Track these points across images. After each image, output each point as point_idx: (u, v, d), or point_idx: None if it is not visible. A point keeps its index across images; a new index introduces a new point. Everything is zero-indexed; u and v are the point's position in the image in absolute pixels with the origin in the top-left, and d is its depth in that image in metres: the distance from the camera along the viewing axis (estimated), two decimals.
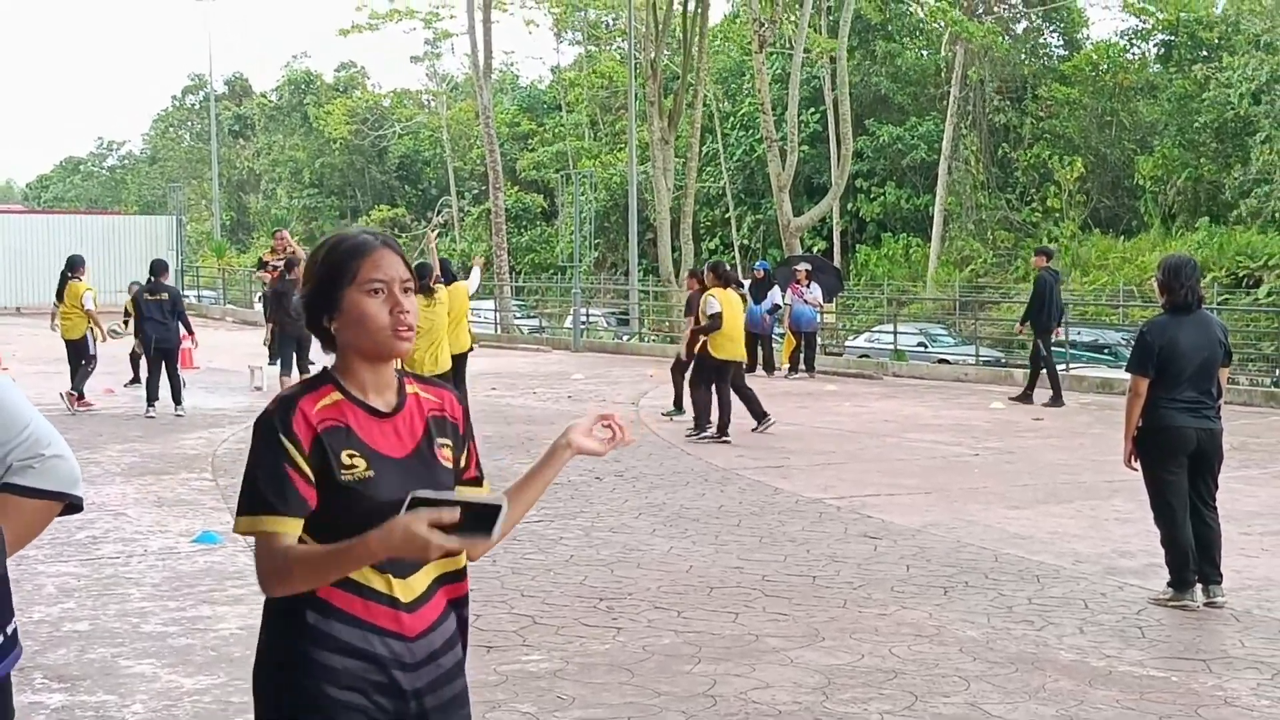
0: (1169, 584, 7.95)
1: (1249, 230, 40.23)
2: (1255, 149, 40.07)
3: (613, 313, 40.95)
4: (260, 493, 2.68)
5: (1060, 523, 10.58)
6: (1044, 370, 19.75)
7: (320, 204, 70.82)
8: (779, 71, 47.05)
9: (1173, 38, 48.27)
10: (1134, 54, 49.98)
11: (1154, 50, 49.77)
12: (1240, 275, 38.09)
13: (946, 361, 28.80)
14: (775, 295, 23.53)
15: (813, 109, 48.93)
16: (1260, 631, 7.34)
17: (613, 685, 6.24)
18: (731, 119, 53.67)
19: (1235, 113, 41.38)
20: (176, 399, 16.72)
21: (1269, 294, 37.04)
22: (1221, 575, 7.90)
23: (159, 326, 16.50)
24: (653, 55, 39.49)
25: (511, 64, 77.31)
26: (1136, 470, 8.02)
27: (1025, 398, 19.39)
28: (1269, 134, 39.36)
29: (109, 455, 13.59)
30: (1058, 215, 46.27)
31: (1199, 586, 7.84)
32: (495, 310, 37.23)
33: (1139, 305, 38.68)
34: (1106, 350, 30.27)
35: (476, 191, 63.35)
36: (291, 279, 17.98)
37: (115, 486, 11.78)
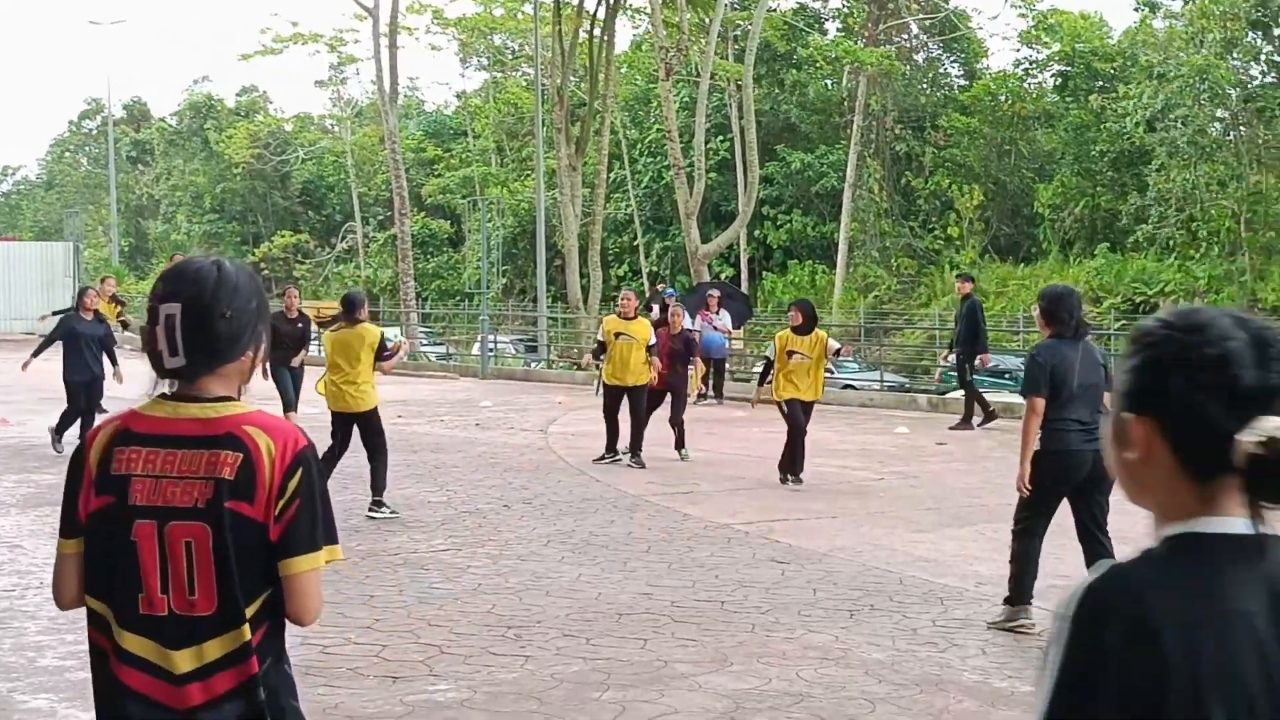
0: (1006, 601, 8.00)
1: (1145, 257, 41.09)
2: (1151, 177, 40.94)
3: (521, 339, 40.87)
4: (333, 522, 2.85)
5: (963, 545, 10.73)
6: (967, 393, 20.07)
7: (221, 229, 69.97)
8: (686, 99, 47.36)
9: (1069, 68, 49.23)
10: (1031, 84, 50.90)
11: (1051, 80, 50.72)
12: (1137, 301, 38.87)
13: (853, 387, 29.07)
14: (685, 322, 23.64)
15: (721, 136, 49.29)
16: None
17: (521, 714, 6.23)
18: (639, 146, 53.90)
19: (1131, 142, 42.27)
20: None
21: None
22: None
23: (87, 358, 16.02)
24: (559, 82, 39.58)
25: (417, 89, 76.97)
26: (1028, 492, 8.02)
27: (965, 424, 19.52)
28: (1163, 162, 40.25)
29: (4, 487, 13.32)
30: (958, 243, 46.94)
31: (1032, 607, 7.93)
32: (402, 337, 37.00)
33: (1039, 333, 39.34)
34: (1007, 375, 30.71)
35: (382, 217, 62.98)
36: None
37: (10, 518, 11.56)
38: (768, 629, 7.83)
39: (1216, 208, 39.45)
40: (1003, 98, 48.92)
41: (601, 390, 15.90)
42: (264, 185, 69.93)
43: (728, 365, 26.61)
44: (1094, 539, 7.93)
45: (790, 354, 13.84)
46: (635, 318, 15.61)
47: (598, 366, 16.28)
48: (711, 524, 11.43)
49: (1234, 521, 1.79)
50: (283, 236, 65.99)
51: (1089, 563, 7.98)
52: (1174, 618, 1.71)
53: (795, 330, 13.95)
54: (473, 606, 8.40)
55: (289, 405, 16.94)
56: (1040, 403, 7.92)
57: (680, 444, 15.82)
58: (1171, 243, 40.62)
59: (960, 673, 6.98)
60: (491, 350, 32.75)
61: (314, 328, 19.23)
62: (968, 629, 7.92)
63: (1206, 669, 1.69)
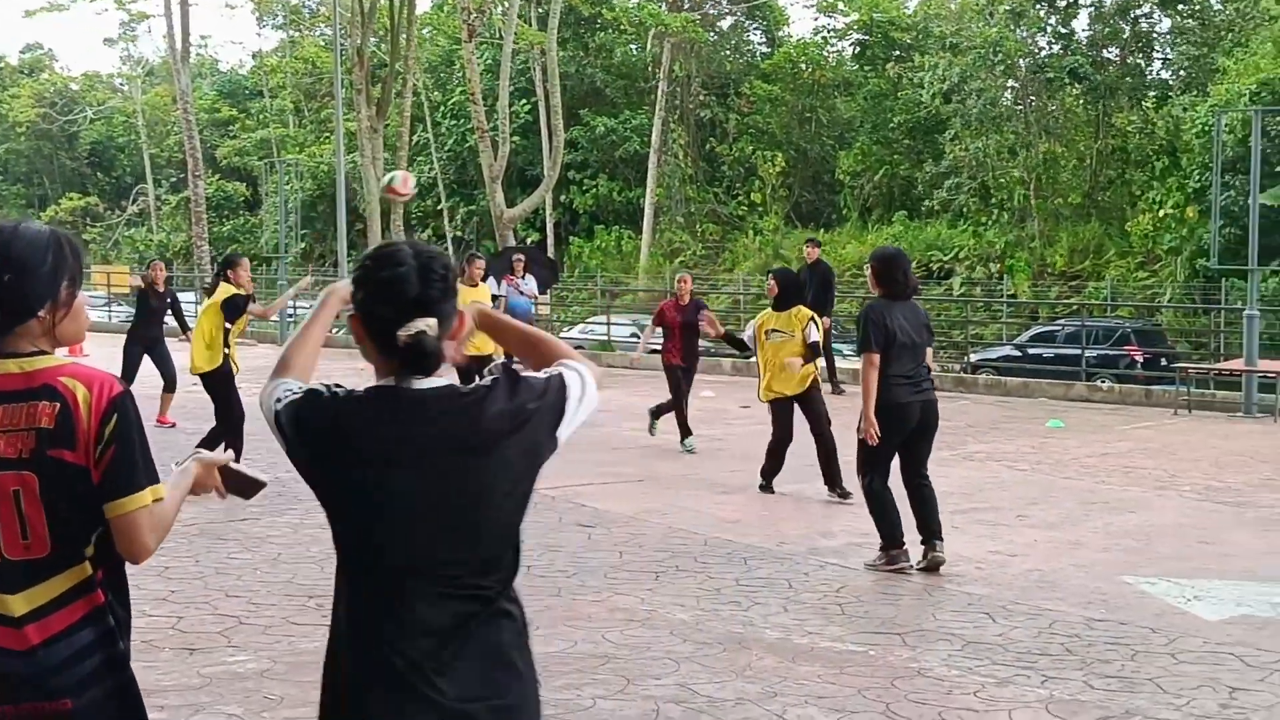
0: (882, 547, 8.52)
1: (940, 223, 42.21)
2: (946, 145, 42.01)
3: (425, 333, 40.04)
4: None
5: (767, 506, 10.89)
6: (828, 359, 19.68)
7: (5, 192, 67.15)
8: (490, 61, 46.93)
9: (867, 37, 50.18)
10: (831, 53, 51.75)
11: (850, 50, 51.63)
12: (933, 267, 39.92)
13: (658, 352, 29.24)
14: (491, 287, 23.47)
15: (525, 100, 48.99)
16: (951, 606, 7.69)
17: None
18: (442, 109, 53.26)
19: (927, 111, 43.29)
20: None
21: (961, 285, 38.93)
22: (941, 535, 8.52)
23: None
24: (359, 42, 38.82)
25: (210, 48, 74.87)
26: (876, 440, 8.50)
27: (836, 388, 19.15)
28: (958, 132, 41.33)
29: None
30: (762, 209, 47.56)
31: (924, 547, 8.48)
32: (196, 303, 36.02)
33: (837, 295, 40.14)
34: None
35: (175, 179, 61.18)
36: None
37: None
38: (574, 593, 7.82)
39: (1008, 176, 40.68)
40: (803, 66, 49.62)
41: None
42: (50, 146, 67.27)
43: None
44: (916, 480, 8.58)
45: (769, 334, 11.71)
46: (478, 285, 15.36)
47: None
48: None
49: (412, 380, 2.71)
50: (70, 199, 63.62)
51: (913, 501, 8.54)
52: (359, 421, 2.69)
53: (774, 306, 11.77)
54: (273, 576, 8.22)
55: (169, 384, 16.17)
56: (877, 358, 8.40)
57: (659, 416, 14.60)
58: (965, 210, 41.79)
59: (763, 630, 7.07)
60: (291, 316, 32.08)
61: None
62: (770, 587, 8.03)
63: (382, 444, 2.68)
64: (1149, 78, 44.18)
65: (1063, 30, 43.21)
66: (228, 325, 12.09)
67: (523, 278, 24.15)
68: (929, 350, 8.81)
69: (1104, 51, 43.17)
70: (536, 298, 26.03)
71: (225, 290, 12.04)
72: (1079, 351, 24.24)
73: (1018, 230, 40.58)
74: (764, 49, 54.02)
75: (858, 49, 51.02)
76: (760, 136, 48.75)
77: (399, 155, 41.12)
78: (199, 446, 9.45)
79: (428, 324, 2.69)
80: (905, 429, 8.52)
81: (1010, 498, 11.33)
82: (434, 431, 2.69)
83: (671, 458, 13.38)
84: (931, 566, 8.41)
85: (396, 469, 2.66)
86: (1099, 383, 21.58)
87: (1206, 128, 32.86)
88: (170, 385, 16.16)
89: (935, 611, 7.57)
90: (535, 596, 7.65)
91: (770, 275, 12.14)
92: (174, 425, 15.26)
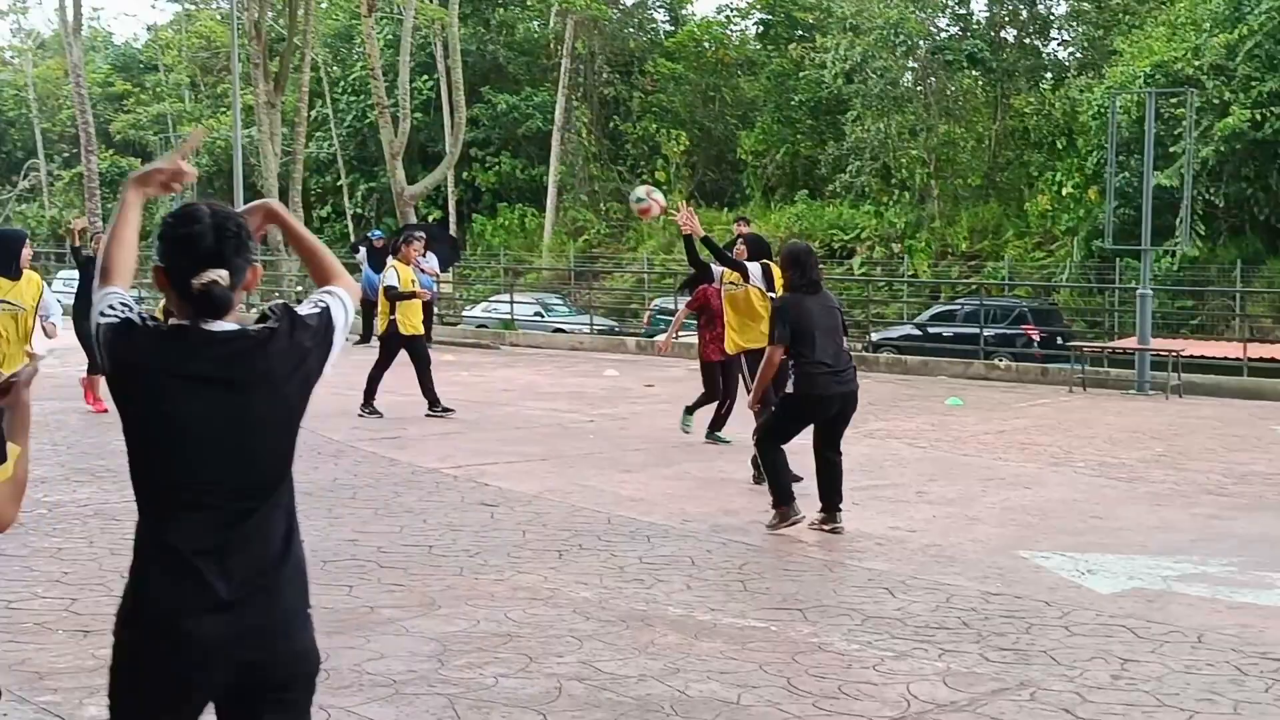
0: (774, 504, 8.87)
1: (842, 203, 42.54)
2: (848, 126, 42.31)
3: (216, 282, 39.51)
4: None
5: (670, 484, 10.91)
6: None
7: None
8: (390, 36, 46.45)
9: (770, 16, 50.36)
10: (734, 32, 51.88)
11: (753, 28, 51.80)
12: (835, 247, 40.22)
13: (562, 330, 29.24)
14: (431, 263, 23.32)
15: (426, 76, 48.56)
16: (852, 581, 7.77)
17: None
18: (342, 84, 52.66)
19: (829, 91, 43.55)
20: None
21: (862, 265, 39.29)
22: (841, 506, 8.89)
23: None
24: (256, 16, 38.24)
25: (102, 20, 73.35)
26: (755, 409, 9.38)
27: None
28: (860, 112, 41.64)
29: None
30: (666, 187, 47.61)
31: (822, 515, 8.90)
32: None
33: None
34: None
35: (67, 154, 59.87)
36: None
37: None
38: (476, 572, 7.79)
39: (908, 156, 41.07)
40: (707, 44, 49.70)
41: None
42: None
43: (435, 309, 26.34)
44: (829, 454, 8.94)
45: (725, 285, 11.39)
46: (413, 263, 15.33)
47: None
48: (420, 469, 11.31)
49: (203, 322, 3.03)
50: None
51: (820, 472, 8.94)
52: (155, 354, 3.00)
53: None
54: None
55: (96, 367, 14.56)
56: (778, 351, 8.82)
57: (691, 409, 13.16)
58: (867, 190, 42.13)
59: (666, 607, 7.10)
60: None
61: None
62: (673, 565, 8.06)
63: (171, 376, 2.98)
64: (1046, 59, 44.80)
65: (961, 12, 43.67)
66: None
67: (424, 255, 23.98)
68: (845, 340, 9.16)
69: (1002, 33, 43.71)
70: (438, 275, 25.87)
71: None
72: (978, 330, 24.59)
73: (918, 211, 41.01)
74: (668, 27, 54.03)
75: (761, 28, 51.19)
76: (664, 115, 48.76)
77: (297, 130, 40.64)
78: None
79: (219, 274, 3.03)
80: (822, 417, 8.89)
81: (910, 474, 11.47)
82: (220, 367, 3.02)
83: (575, 437, 13.37)
84: (831, 532, 8.79)
85: (183, 399, 2.99)
86: (997, 361, 21.91)
87: (1102, 110, 33.34)
88: (96, 366, 14.58)
89: (836, 587, 7.64)
90: (437, 576, 7.61)
91: (740, 240, 11.70)
92: (106, 410, 13.95)
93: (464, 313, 33.39)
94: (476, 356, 22.42)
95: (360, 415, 14.37)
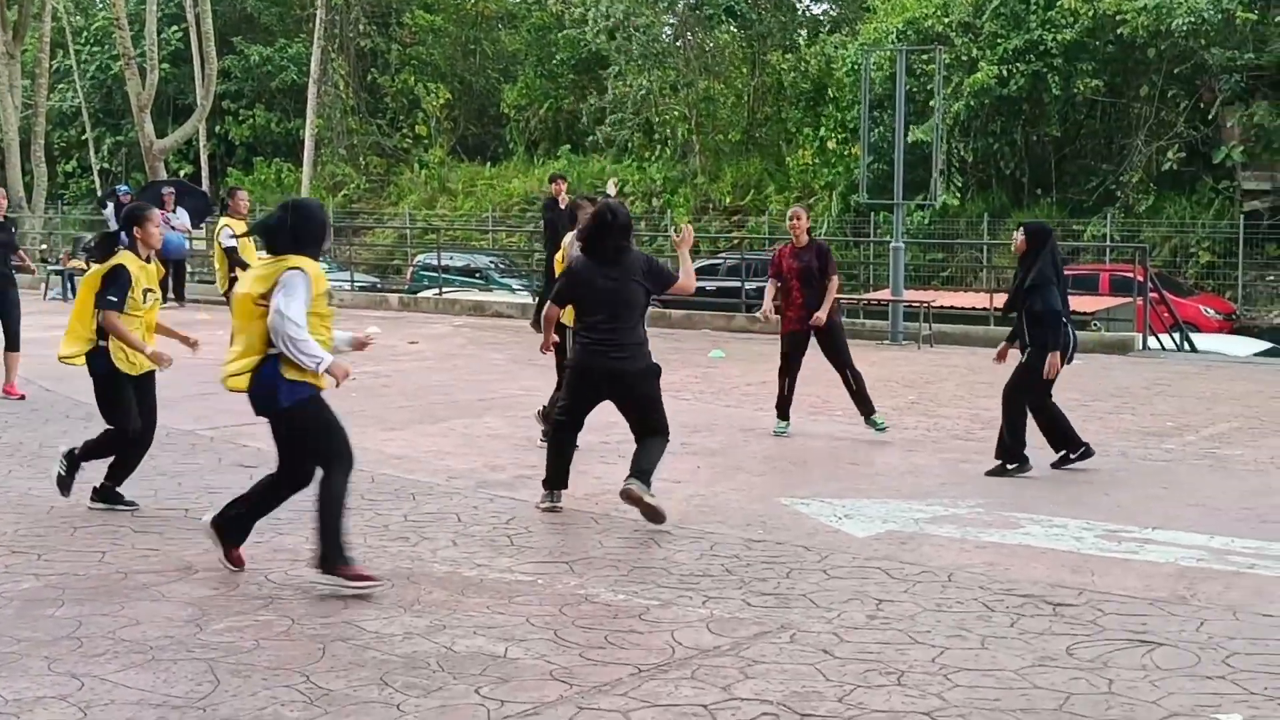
0: (544, 484, 8.41)
1: (605, 158, 42.68)
2: (610, 81, 42.40)
3: None
4: None
5: (435, 441, 10.82)
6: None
7: None
8: None
9: None
10: None
11: None
12: (586, 197, 40.31)
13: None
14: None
15: (175, 26, 46.86)
16: (617, 533, 7.83)
17: None
18: (85, 34, 50.44)
19: (590, 49, 43.54)
20: None
21: (639, 217, 39.51)
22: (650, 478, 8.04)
23: None
24: None
25: None
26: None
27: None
28: (621, 69, 41.76)
29: None
30: (427, 141, 47.04)
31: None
32: None
33: (505, 230, 40.17)
34: (478, 274, 31.22)
35: None
36: None
37: None
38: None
39: (670, 112, 41.40)
40: None
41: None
42: None
43: (188, 266, 25.54)
44: (640, 439, 8.18)
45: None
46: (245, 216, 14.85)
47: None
48: (175, 430, 10.94)
49: None
50: None
51: (636, 449, 8.15)
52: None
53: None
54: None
55: (11, 342, 13.14)
56: (554, 309, 8.61)
57: (868, 408, 11.53)
58: (629, 145, 42.35)
59: (431, 565, 7.04)
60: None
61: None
62: (439, 522, 8.00)
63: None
64: (802, 16, 45.62)
65: None
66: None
67: (174, 211, 23.23)
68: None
69: None
70: (190, 231, 25.09)
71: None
72: (740, 284, 25.01)
73: (680, 166, 41.42)
74: None
75: None
76: (424, 68, 48.10)
77: (39, 82, 38.81)
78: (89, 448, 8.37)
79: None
80: (586, 390, 8.21)
81: (674, 426, 11.57)
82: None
83: (336, 395, 13.07)
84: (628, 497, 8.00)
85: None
86: (758, 314, 22.30)
87: (856, 66, 34.12)
88: (13, 343, 13.16)
89: (602, 539, 7.69)
90: (194, 540, 7.39)
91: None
92: (24, 397, 12.75)
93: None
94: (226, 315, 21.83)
95: None
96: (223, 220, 14.65)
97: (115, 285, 8.00)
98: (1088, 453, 9.79)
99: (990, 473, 9.56)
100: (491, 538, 7.66)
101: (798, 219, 11.64)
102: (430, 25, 48.35)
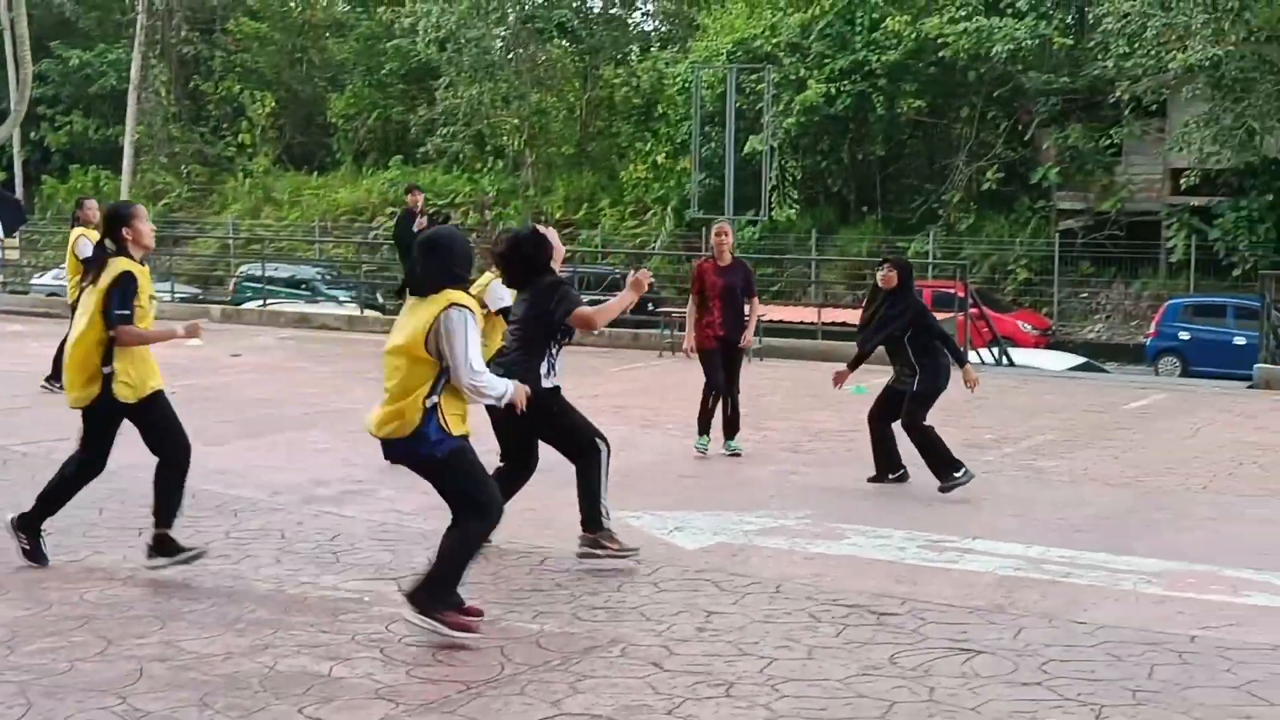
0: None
1: (436, 169, 42.41)
2: (440, 92, 42.15)
3: None
4: None
5: (259, 456, 10.60)
6: None
7: None
8: None
9: None
10: None
11: None
12: (431, 212, 40.04)
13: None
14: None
15: None
16: None
17: None
18: None
19: (420, 59, 43.24)
20: None
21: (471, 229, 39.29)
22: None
23: None
24: None
25: None
26: None
27: None
28: (453, 80, 41.54)
29: None
30: (251, 150, 46.21)
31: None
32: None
33: (333, 241, 39.60)
34: (304, 286, 30.72)
35: None
36: None
37: None
38: (49, 553, 7.31)
39: (502, 124, 41.31)
40: (293, 4, 48.48)
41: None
42: None
43: (1, 276, 24.69)
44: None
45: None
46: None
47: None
48: None
49: None
50: None
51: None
52: None
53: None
54: None
55: None
56: None
57: (734, 431, 11.22)
58: (461, 156, 42.15)
59: (254, 582, 6.88)
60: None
61: None
62: (262, 539, 7.82)
63: None
64: (633, 31, 45.93)
65: None
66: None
67: None
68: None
69: (589, 3, 44.48)
70: (3, 240, 24.26)
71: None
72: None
73: (513, 178, 41.34)
74: None
75: None
76: (248, 76, 47.29)
77: None
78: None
79: None
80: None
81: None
82: None
83: None
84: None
85: None
86: (684, 349, 22.26)
87: (687, 84, 34.46)
88: None
89: (431, 555, 7.58)
90: (3, 558, 7.11)
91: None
92: None
93: (33, 280, 31.37)
94: (47, 326, 21.10)
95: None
96: (77, 230, 14.12)
97: (123, 295, 6.99)
98: (904, 477, 9.91)
99: (943, 489, 9.43)
100: (317, 554, 7.51)
101: (724, 235, 11.29)
102: (255, 33, 47.55)
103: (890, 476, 9.96)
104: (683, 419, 12.10)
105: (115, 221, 7.21)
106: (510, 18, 42.01)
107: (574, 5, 43.51)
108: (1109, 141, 32.88)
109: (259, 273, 28.66)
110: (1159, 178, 33.33)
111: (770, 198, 26.61)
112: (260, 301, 25.97)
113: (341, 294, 29.97)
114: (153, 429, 7.16)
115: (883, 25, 33.29)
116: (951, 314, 21.56)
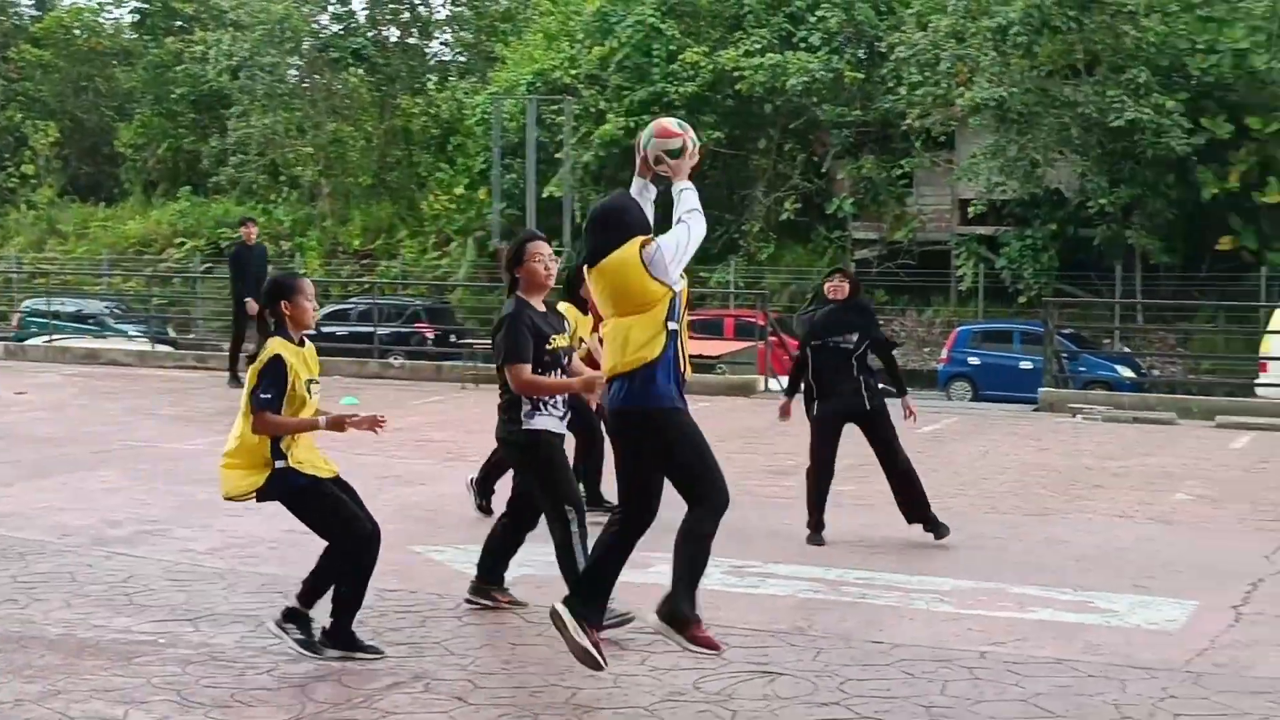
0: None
1: (228, 200, 41.57)
2: (232, 121, 41.36)
3: None
4: None
5: (47, 497, 10.24)
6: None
7: None
8: None
9: (147, 6, 48.39)
10: (108, 20, 49.48)
11: (129, 17, 49.58)
12: (221, 245, 39.23)
13: None
14: None
15: None
16: (244, 587, 7.58)
17: None
18: None
19: (211, 85, 42.39)
20: None
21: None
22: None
23: None
24: None
25: None
26: None
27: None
28: (245, 108, 40.82)
29: None
30: (35, 181, 44.72)
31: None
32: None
33: (122, 274, 38.47)
34: (92, 320, 29.76)
35: None
36: None
37: None
38: None
39: (297, 154, 40.71)
40: (78, 32, 47.16)
41: None
42: None
43: None
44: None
45: None
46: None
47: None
48: None
49: None
50: None
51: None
52: None
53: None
54: None
55: None
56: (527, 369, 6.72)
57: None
58: (255, 186, 41.40)
59: (44, 627, 6.64)
60: None
61: None
62: (51, 582, 7.56)
63: None
64: (431, 61, 45.74)
65: (341, 10, 43.77)
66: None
67: None
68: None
69: (384, 32, 44.15)
70: None
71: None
72: (372, 329, 24.76)
73: (308, 209, 40.76)
74: (34, 12, 50.74)
75: (137, 17, 49.09)
76: (31, 104, 45.80)
77: None
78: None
79: None
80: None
81: None
82: None
83: None
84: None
85: None
86: (391, 360, 22.13)
87: (486, 114, 34.44)
88: None
89: (229, 594, 7.43)
90: None
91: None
92: None
93: None
94: None
95: None
96: None
97: (269, 379, 6.20)
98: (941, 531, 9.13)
99: (928, 530, 9.05)
100: (109, 597, 7.29)
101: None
102: (38, 60, 46.10)
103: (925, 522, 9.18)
104: (487, 452, 12.05)
105: (275, 295, 6.36)
106: (305, 45, 41.49)
107: (370, 35, 43.17)
108: (901, 172, 33.88)
109: (45, 307, 27.69)
110: (948, 208, 34.47)
111: (568, 229, 26.66)
112: (46, 337, 25.09)
113: (131, 328, 29.13)
114: None
115: (680, 57, 33.75)
116: (753, 342, 21.93)
